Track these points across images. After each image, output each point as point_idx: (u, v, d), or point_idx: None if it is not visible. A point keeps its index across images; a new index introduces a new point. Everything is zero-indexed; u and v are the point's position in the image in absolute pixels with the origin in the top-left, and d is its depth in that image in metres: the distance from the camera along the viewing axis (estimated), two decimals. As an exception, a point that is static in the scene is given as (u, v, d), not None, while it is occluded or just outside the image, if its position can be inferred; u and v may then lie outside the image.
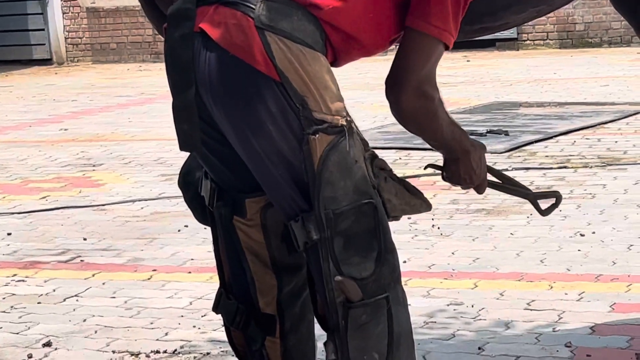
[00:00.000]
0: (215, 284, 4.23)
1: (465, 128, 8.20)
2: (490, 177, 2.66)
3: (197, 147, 2.47)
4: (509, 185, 2.74)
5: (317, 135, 2.29)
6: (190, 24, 2.38)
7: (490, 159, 6.75)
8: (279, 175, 2.37)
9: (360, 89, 10.49)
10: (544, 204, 2.71)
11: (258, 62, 2.29)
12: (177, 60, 2.41)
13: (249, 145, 2.38)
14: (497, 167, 6.56)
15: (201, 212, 2.70)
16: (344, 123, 2.31)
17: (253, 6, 2.31)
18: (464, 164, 2.55)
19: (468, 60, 12.81)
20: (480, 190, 2.63)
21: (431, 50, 2.39)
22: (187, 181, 2.71)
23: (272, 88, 2.29)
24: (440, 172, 2.63)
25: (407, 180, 2.58)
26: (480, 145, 2.57)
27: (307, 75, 2.29)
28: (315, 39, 2.33)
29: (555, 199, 2.71)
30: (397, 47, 2.44)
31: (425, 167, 2.79)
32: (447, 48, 2.42)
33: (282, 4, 2.32)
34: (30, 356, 3.74)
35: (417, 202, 2.53)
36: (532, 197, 2.72)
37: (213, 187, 2.56)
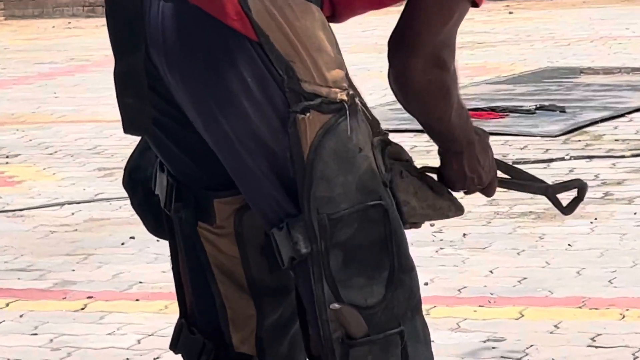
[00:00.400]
0: (171, 315, 4.25)
1: (507, 103, 8.30)
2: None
3: (147, 129, 2.47)
4: (519, 181, 2.75)
5: (308, 114, 2.28)
6: None
7: (541, 145, 6.91)
8: (256, 167, 2.36)
9: (366, 52, 10.56)
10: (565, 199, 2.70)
11: (229, 16, 2.30)
12: (121, 13, 2.41)
13: (216, 127, 2.38)
14: (549, 155, 6.68)
15: (154, 220, 2.70)
16: (345, 97, 2.30)
17: None
18: (468, 159, 2.54)
19: (511, 12, 12.87)
20: (490, 192, 2.65)
21: (453, 5, 2.41)
22: (135, 179, 2.71)
23: (247, 50, 2.30)
24: (437, 175, 2.58)
25: (430, 174, 2.60)
26: (483, 132, 2.59)
27: (294, 34, 2.29)
28: None
29: (577, 190, 2.71)
30: None
31: (422, 168, 2.67)
32: (475, 4, 2.41)
33: None
34: None
35: (445, 204, 2.54)
36: (551, 193, 2.72)
37: (171, 183, 2.56)
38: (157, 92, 2.43)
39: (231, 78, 2.33)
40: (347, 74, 2.35)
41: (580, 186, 2.71)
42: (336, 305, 2.30)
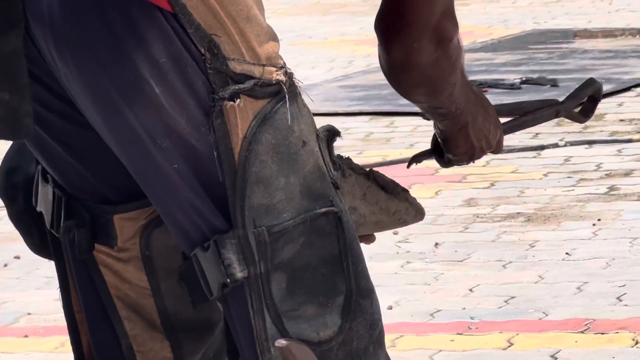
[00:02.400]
0: (69, 355, 4.26)
1: (486, 76, 8.35)
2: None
3: (25, 131, 2.45)
4: (527, 118, 2.79)
5: (238, 101, 2.28)
6: None
7: (530, 128, 6.89)
8: (172, 170, 2.34)
9: (307, 14, 10.58)
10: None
11: None
12: None
13: (119, 122, 2.36)
14: (540, 140, 6.73)
15: (38, 235, 2.68)
16: (282, 78, 2.28)
17: None
18: (474, 129, 2.61)
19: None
20: (499, 149, 2.64)
21: None
22: (13, 183, 2.70)
23: (158, 22, 2.30)
24: (435, 158, 2.65)
25: (381, 172, 2.58)
26: (479, 89, 2.60)
27: (217, 3, 2.29)
28: None
29: (593, 91, 2.77)
30: None
31: (410, 163, 2.72)
32: None
33: None
34: None
35: (402, 207, 2.54)
36: (566, 111, 2.77)
37: (58, 195, 2.55)
38: (40, 81, 2.42)
39: (139, 59, 2.31)
40: (279, 50, 2.36)
41: (594, 87, 2.77)
42: (282, 342, 2.30)
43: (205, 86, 2.29)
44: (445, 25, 2.43)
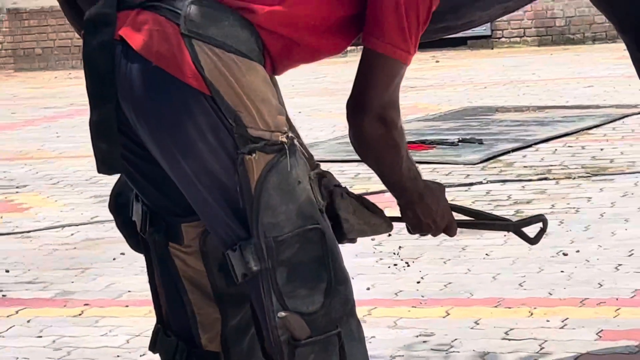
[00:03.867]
0: (152, 319, 4.23)
1: (433, 137, 8.27)
2: (462, 215, 2.64)
3: (115, 169, 2.45)
4: (484, 221, 2.71)
5: (254, 155, 2.26)
6: (110, 30, 2.35)
7: (463, 171, 6.91)
8: (212, 199, 2.34)
9: (319, 95, 10.55)
10: (530, 232, 2.64)
11: (185, 74, 2.27)
12: (95, 71, 2.37)
13: (177, 166, 2.36)
14: (470, 179, 6.70)
15: (135, 239, 2.66)
16: (285, 140, 2.28)
17: (179, 11, 2.30)
18: (421, 208, 2.51)
19: (437, 61, 12.91)
20: (450, 233, 2.59)
21: (393, 71, 2.39)
22: (120, 203, 2.67)
23: (201, 103, 2.27)
24: (402, 223, 2.57)
25: (367, 197, 2.58)
26: (438, 186, 2.56)
27: (241, 88, 2.26)
28: (250, 47, 2.30)
29: (541, 223, 2.66)
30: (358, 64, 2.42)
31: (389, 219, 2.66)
32: (406, 63, 2.41)
33: (211, 7, 2.29)
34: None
35: (378, 222, 2.52)
36: (514, 228, 2.68)
37: (145, 210, 2.53)
38: (127, 135, 2.40)
39: (189, 126, 2.30)
40: (287, 118, 2.35)
41: (542, 219, 2.67)
42: (282, 314, 2.28)
43: (232, 145, 2.28)
44: (389, 113, 2.40)
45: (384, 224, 2.54)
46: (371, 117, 2.37)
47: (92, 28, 2.38)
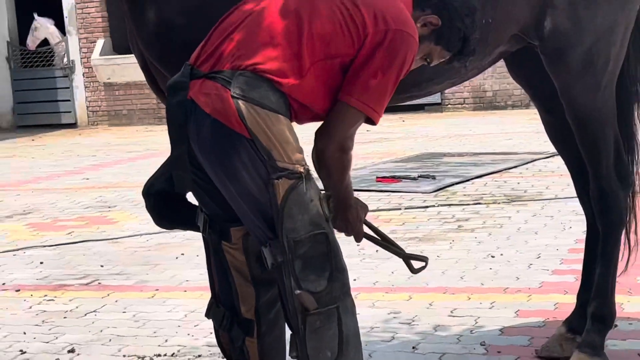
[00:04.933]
0: (203, 299, 4.18)
1: (400, 173, 8.16)
2: (372, 231, 2.59)
3: (187, 188, 2.50)
4: (384, 242, 2.64)
5: (281, 180, 2.29)
6: (185, 93, 2.38)
7: (421, 198, 6.89)
8: (250, 211, 2.37)
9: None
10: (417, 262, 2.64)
11: (233, 124, 2.30)
12: (174, 121, 2.42)
13: (227, 188, 2.39)
14: (426, 204, 6.69)
15: (158, 217, 2.69)
16: (302, 170, 2.31)
17: (230, 80, 2.32)
18: (342, 215, 2.48)
19: (403, 121, 12.91)
20: (356, 239, 2.55)
21: (355, 119, 2.38)
22: (149, 192, 2.68)
23: (244, 143, 2.30)
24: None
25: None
26: (362, 205, 2.53)
27: (271, 133, 2.29)
28: (279, 105, 2.33)
29: (424, 262, 2.63)
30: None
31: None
32: (372, 122, 2.40)
33: (251, 78, 2.32)
34: (57, 361, 3.70)
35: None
36: (404, 257, 2.63)
37: (205, 218, 2.56)
38: (196, 166, 2.44)
39: (235, 160, 2.33)
40: (304, 157, 2.36)
41: (425, 260, 2.64)
42: (298, 291, 2.32)
43: (265, 172, 2.29)
44: (348, 143, 2.38)
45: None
46: (334, 144, 2.37)
47: (173, 91, 2.42)
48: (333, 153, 2.37)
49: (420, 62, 2.53)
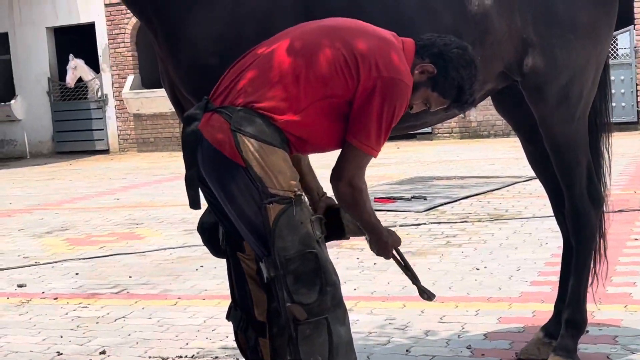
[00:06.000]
0: (220, 307, 4.18)
1: (395, 195, 8.09)
2: (398, 257, 2.64)
3: (199, 207, 2.50)
4: (407, 270, 2.68)
5: (272, 205, 2.29)
6: (197, 123, 2.41)
7: (414, 216, 6.87)
8: (247, 231, 2.38)
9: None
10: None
11: (231, 153, 2.32)
12: (187, 148, 2.44)
13: (227, 208, 2.41)
14: (419, 221, 6.67)
15: (212, 248, 2.69)
16: (292, 196, 2.31)
17: (231, 115, 2.34)
18: (375, 244, 2.55)
19: (398, 148, 12.93)
20: (386, 258, 2.63)
21: (361, 159, 2.39)
22: (203, 228, 2.69)
23: (240, 171, 2.32)
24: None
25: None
26: (395, 239, 2.58)
27: (264, 163, 2.30)
28: (274, 138, 2.34)
29: (430, 295, 2.68)
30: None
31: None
32: (374, 156, 2.43)
33: (249, 114, 2.34)
34: (89, 362, 3.69)
35: (355, 229, 2.57)
36: (418, 286, 2.68)
37: (223, 232, 2.57)
38: (208, 187, 2.44)
39: (232, 185, 2.35)
40: (297, 183, 2.35)
41: (433, 296, 2.69)
42: (289, 304, 2.31)
43: (259, 197, 2.30)
44: (354, 181, 2.38)
45: (358, 232, 2.58)
46: (343, 182, 2.38)
47: (187, 122, 2.45)
48: (343, 189, 2.39)
49: (421, 106, 2.50)
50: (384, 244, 2.55)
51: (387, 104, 2.34)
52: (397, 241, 2.58)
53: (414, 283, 2.68)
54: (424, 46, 2.47)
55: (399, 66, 2.38)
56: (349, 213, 2.48)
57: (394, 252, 2.61)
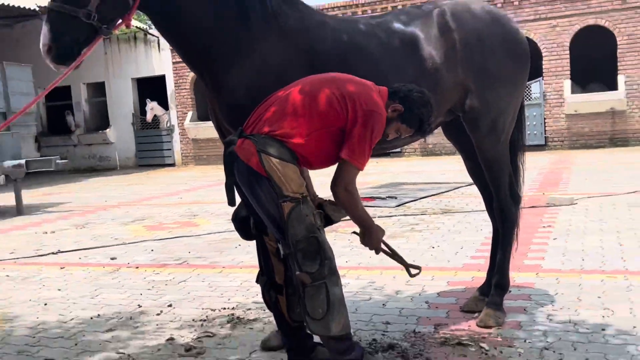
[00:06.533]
0: (252, 274, 4.16)
1: (375, 195, 7.97)
2: (385, 247, 2.59)
3: (234, 204, 2.46)
4: (394, 255, 2.63)
5: (286, 203, 2.28)
6: (234, 146, 2.39)
7: (388, 210, 6.80)
8: (269, 221, 2.36)
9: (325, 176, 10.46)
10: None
11: (257, 167, 2.32)
12: (226, 163, 2.42)
13: (254, 207, 2.39)
14: (391, 214, 6.62)
15: (242, 233, 2.64)
16: (299, 197, 2.30)
17: (256, 140, 2.33)
18: (369, 235, 2.49)
19: (377, 163, 12.89)
20: (376, 252, 2.57)
21: (352, 170, 2.38)
22: (235, 218, 2.65)
23: (264, 179, 2.31)
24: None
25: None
26: (381, 231, 2.52)
27: (281, 174, 2.29)
28: (288, 157, 2.32)
29: (419, 270, 2.61)
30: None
31: (352, 232, 2.66)
32: (361, 169, 2.40)
33: (270, 139, 2.35)
34: (160, 312, 3.67)
35: (344, 214, 2.50)
36: (406, 266, 2.62)
37: (254, 222, 2.54)
38: (241, 191, 2.41)
39: (258, 189, 2.33)
40: (304, 188, 2.32)
41: (419, 268, 2.64)
42: (298, 273, 2.29)
43: (276, 198, 2.24)
44: (349, 187, 2.33)
45: (342, 217, 2.50)
46: (341, 188, 2.36)
47: (227, 145, 2.45)
48: (342, 194, 2.37)
49: (394, 135, 2.53)
50: (375, 232, 2.48)
51: (368, 129, 2.35)
52: (382, 232, 2.53)
53: (401, 264, 2.61)
54: (394, 92, 2.50)
55: (376, 102, 2.40)
56: (346, 212, 2.43)
57: (382, 244, 2.54)
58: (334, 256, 2.36)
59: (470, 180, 3.79)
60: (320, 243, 2.31)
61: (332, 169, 2.43)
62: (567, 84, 13.25)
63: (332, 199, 2.53)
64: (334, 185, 2.38)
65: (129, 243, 5.94)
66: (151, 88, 16.60)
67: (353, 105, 2.36)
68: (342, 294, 2.36)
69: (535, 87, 13.72)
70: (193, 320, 3.46)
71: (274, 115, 2.38)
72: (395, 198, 7.54)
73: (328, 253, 2.33)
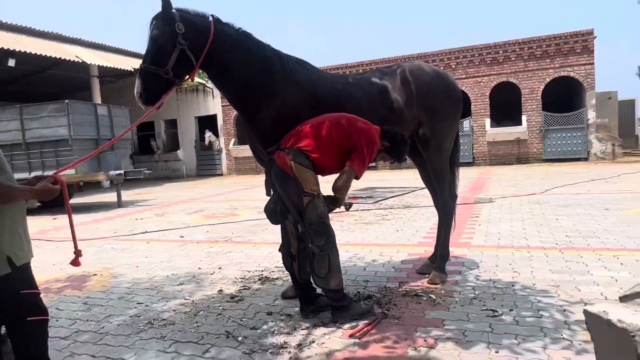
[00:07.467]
0: (274, 246, 4.13)
1: (358, 195, 7.71)
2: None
3: (269, 195, 2.41)
4: (346, 205, 2.55)
5: (305, 196, 2.26)
6: (273, 155, 2.37)
7: (367, 206, 6.66)
8: (294, 209, 2.33)
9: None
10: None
11: (288, 171, 2.30)
12: (267, 167, 2.40)
13: (284, 198, 2.35)
14: (368, 208, 6.39)
15: (271, 219, 2.61)
16: (315, 193, 2.28)
17: (289, 152, 2.31)
18: (335, 204, 2.40)
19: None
20: (338, 206, 2.44)
21: (352, 175, 2.36)
22: (267, 207, 2.63)
23: (292, 180, 2.29)
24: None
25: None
26: (343, 200, 2.41)
27: (304, 177, 2.27)
28: (309, 165, 2.31)
29: (349, 205, 2.53)
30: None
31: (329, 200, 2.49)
32: (358, 178, 2.38)
33: (298, 152, 2.33)
34: (213, 272, 3.65)
35: (335, 208, 2.42)
36: (345, 205, 2.55)
37: (280, 210, 2.50)
38: (275, 187, 2.36)
39: (288, 185, 2.29)
40: (318, 186, 2.29)
41: (350, 204, 2.56)
42: (310, 245, 2.26)
43: (300, 192, 2.16)
44: (349, 182, 2.27)
45: (339, 205, 2.39)
46: (341, 185, 2.32)
47: (269, 154, 2.41)
48: (341, 189, 2.35)
49: (380, 160, 2.57)
50: (341, 202, 2.43)
51: (367, 152, 2.38)
52: (343, 200, 2.45)
53: (344, 205, 2.55)
54: (384, 132, 2.56)
55: (374, 136, 2.46)
56: (340, 196, 2.37)
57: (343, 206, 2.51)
58: (334, 235, 2.37)
59: (423, 185, 3.78)
60: (326, 226, 2.32)
61: (331, 178, 2.43)
62: (487, 121, 13.45)
63: (330, 196, 2.52)
64: (337, 182, 2.37)
65: (192, 226, 5.91)
66: (207, 123, 16.73)
67: (359, 137, 2.40)
68: (339, 261, 2.37)
69: (466, 123, 13.87)
70: (235, 278, 3.46)
71: (305, 137, 2.39)
72: (372, 197, 7.45)
73: (331, 233, 2.35)
